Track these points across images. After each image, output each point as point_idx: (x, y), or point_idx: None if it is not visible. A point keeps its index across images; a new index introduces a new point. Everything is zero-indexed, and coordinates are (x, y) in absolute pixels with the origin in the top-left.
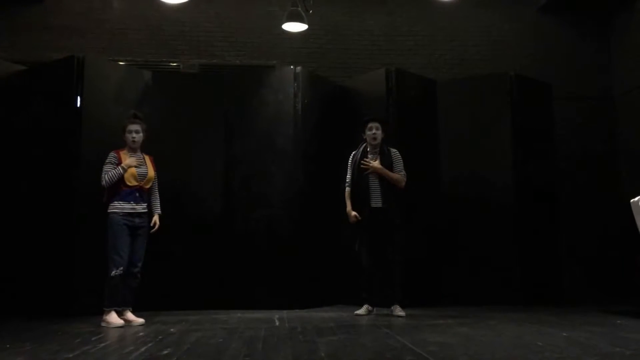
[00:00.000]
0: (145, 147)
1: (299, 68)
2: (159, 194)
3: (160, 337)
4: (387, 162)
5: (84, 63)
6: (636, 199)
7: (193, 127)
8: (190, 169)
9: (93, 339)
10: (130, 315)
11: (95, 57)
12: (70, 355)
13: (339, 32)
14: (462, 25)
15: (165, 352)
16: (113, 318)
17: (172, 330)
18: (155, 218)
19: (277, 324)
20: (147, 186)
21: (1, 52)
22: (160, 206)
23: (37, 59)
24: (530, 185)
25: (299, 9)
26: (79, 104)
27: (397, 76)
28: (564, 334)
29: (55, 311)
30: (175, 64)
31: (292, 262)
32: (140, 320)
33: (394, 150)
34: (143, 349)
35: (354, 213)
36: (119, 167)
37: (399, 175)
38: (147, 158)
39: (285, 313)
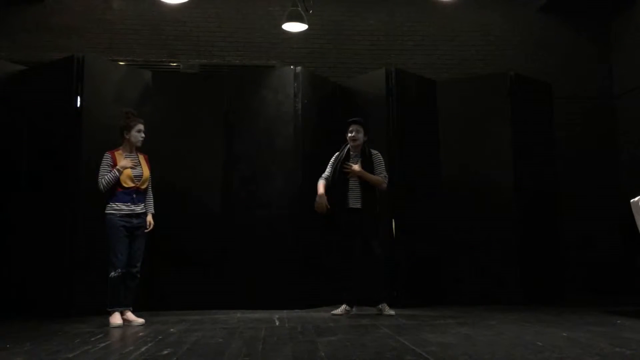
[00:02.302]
0: (145, 147)
1: (299, 68)
2: (154, 193)
3: (160, 337)
4: (368, 165)
5: (84, 63)
6: (636, 199)
7: (193, 127)
8: (190, 169)
9: (93, 339)
10: (130, 315)
11: (95, 57)
12: (70, 355)
13: (339, 32)
14: (462, 25)
15: (165, 352)
16: (114, 318)
17: (172, 330)
18: (149, 218)
19: (277, 324)
20: (144, 187)
21: (1, 52)
22: (154, 205)
23: (37, 59)
24: (530, 185)
25: (299, 9)
26: (79, 104)
27: (397, 76)
28: (564, 334)
29: (55, 311)
30: (175, 64)
31: (292, 262)
32: (140, 321)
33: (376, 152)
34: (143, 349)
35: (325, 199)
36: (115, 170)
37: (379, 177)
38: (141, 157)
39: (285, 313)
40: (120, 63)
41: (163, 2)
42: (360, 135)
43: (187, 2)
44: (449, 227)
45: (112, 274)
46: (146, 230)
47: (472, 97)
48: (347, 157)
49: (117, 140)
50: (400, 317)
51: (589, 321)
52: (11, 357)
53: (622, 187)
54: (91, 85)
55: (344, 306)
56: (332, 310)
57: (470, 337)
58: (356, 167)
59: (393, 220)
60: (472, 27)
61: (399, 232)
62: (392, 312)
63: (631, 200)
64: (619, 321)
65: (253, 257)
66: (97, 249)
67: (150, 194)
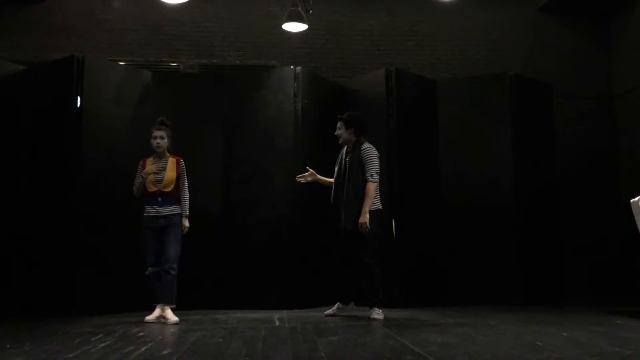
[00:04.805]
0: (144, 147)
1: (299, 68)
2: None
3: (160, 337)
4: (357, 160)
5: (84, 63)
6: (636, 199)
7: (193, 127)
8: (189, 169)
9: (93, 339)
10: (167, 313)
11: (95, 57)
12: (71, 355)
13: (339, 32)
14: (462, 25)
15: (165, 352)
16: (151, 314)
17: (172, 330)
18: (184, 221)
19: (277, 324)
20: (168, 189)
21: (1, 52)
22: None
23: (37, 59)
24: (530, 185)
25: (299, 9)
26: (79, 104)
27: (397, 76)
28: (564, 334)
29: (55, 311)
30: (175, 64)
31: (292, 262)
32: (174, 319)
33: (368, 146)
34: (143, 349)
35: (310, 171)
36: (140, 176)
37: (368, 192)
38: (171, 161)
39: (285, 313)
40: (120, 63)
41: (163, 2)
42: (342, 132)
43: (187, 2)
44: (448, 226)
45: (146, 272)
46: (183, 232)
47: (472, 97)
48: (345, 155)
49: (117, 140)
50: (401, 317)
51: (589, 321)
52: (11, 357)
53: (621, 187)
54: (91, 86)
55: (337, 304)
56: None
57: (470, 337)
58: (363, 224)
59: (393, 220)
60: (472, 27)
61: (398, 232)
62: (377, 316)
63: (631, 200)
64: (619, 321)
65: (253, 257)
66: (97, 249)
67: (184, 197)
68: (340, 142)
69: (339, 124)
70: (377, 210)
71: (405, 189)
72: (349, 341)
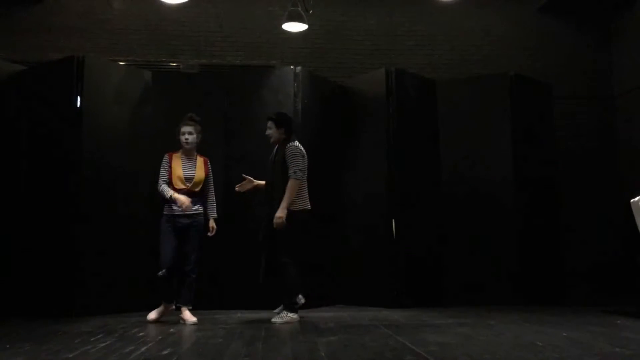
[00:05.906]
0: (144, 147)
1: (299, 68)
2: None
3: (160, 337)
4: (281, 158)
5: (83, 63)
6: (636, 199)
7: None
8: None
9: (93, 339)
10: (185, 314)
11: (95, 57)
12: (70, 356)
13: (339, 32)
14: (462, 25)
15: (165, 352)
16: (152, 313)
17: (172, 330)
18: (212, 222)
19: (277, 324)
20: (196, 189)
21: (1, 52)
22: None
23: (37, 59)
24: (530, 185)
25: (299, 8)
26: (79, 104)
27: (397, 76)
28: (564, 334)
29: (55, 311)
30: (175, 64)
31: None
32: (193, 320)
33: (293, 145)
34: (143, 349)
35: (248, 179)
36: (169, 194)
37: (289, 189)
38: (200, 160)
39: None
40: (120, 63)
41: (163, 2)
42: (272, 132)
43: (187, 2)
44: (448, 226)
45: (159, 273)
46: (210, 235)
47: (472, 97)
48: (274, 154)
49: (116, 139)
50: (400, 317)
51: (589, 321)
52: (11, 357)
53: (622, 187)
54: (91, 85)
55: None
56: (330, 310)
57: (470, 337)
58: (278, 219)
59: (393, 220)
60: (472, 27)
61: (398, 232)
62: (279, 320)
63: (631, 200)
64: (619, 321)
65: (253, 257)
66: (97, 249)
67: (211, 197)
68: (271, 141)
69: (269, 124)
70: (303, 210)
71: (405, 189)
72: (349, 341)
